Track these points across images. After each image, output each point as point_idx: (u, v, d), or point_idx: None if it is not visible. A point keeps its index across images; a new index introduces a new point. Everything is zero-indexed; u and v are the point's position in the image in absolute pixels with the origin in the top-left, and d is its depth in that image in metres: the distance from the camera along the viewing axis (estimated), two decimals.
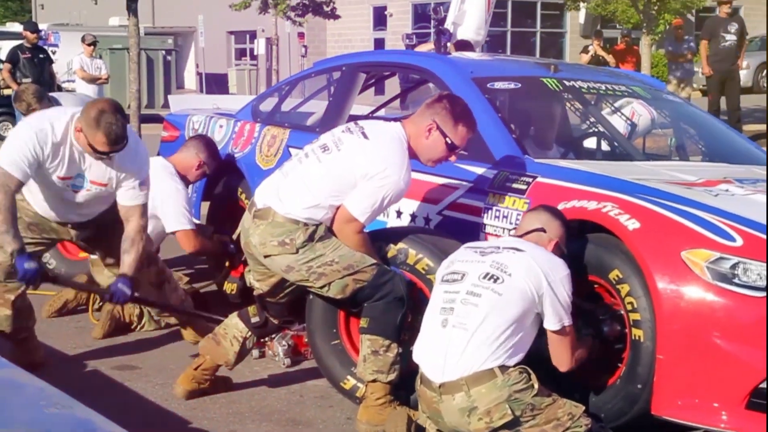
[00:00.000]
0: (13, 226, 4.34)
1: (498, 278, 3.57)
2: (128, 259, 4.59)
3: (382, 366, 4.01)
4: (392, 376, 4.02)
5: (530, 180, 4.37)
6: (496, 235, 4.32)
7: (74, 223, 4.77)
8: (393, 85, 9.79)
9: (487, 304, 3.53)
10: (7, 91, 14.59)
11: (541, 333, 3.68)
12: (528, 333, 3.59)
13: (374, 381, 4.03)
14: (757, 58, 26.87)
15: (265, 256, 4.08)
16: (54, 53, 16.86)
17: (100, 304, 5.51)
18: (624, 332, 3.84)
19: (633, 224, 3.76)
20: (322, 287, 4.05)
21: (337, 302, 4.18)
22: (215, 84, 30.29)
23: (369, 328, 4.03)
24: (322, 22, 26.90)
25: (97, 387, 4.57)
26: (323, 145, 4.12)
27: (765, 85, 27.01)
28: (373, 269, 4.01)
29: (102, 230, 4.80)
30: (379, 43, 32.19)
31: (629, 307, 3.75)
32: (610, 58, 16.23)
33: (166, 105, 19.39)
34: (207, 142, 5.90)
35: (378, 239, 4.23)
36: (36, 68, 12.83)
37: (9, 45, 14.02)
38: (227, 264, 5.72)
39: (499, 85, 5.14)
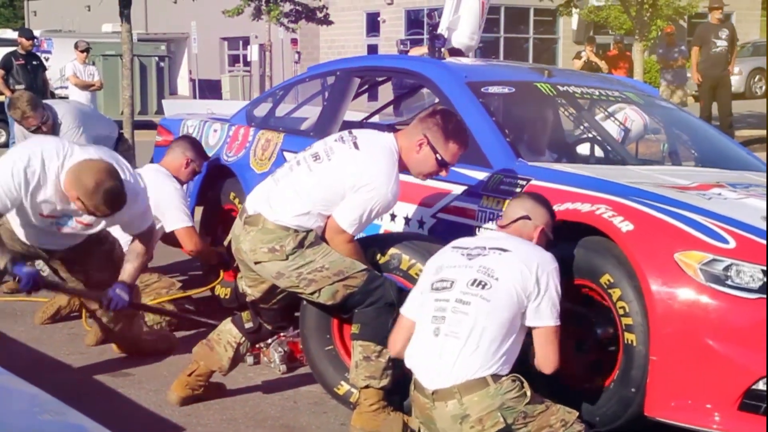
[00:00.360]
0: None
1: (486, 284, 3.55)
2: (130, 267, 4.61)
3: (374, 372, 4.00)
4: (385, 382, 4.02)
5: (524, 183, 4.39)
6: None
7: (46, 249, 4.72)
8: (386, 92, 9.80)
9: (476, 312, 3.52)
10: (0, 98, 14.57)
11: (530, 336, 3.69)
12: (519, 335, 3.59)
13: (367, 387, 4.03)
14: (749, 64, 26.96)
15: (256, 263, 4.08)
16: (47, 60, 16.84)
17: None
18: (616, 335, 3.84)
19: (626, 226, 3.78)
20: (312, 293, 4.05)
21: (329, 308, 4.18)
22: (208, 90, 30.29)
23: (360, 334, 4.03)
24: (315, 28, 26.91)
25: (90, 393, 4.55)
26: (315, 154, 4.13)
27: (757, 90, 27.09)
28: (363, 275, 4.01)
29: (78, 253, 4.75)
30: (372, 49, 32.23)
31: (621, 312, 3.76)
32: (602, 64, 16.28)
33: (159, 111, 19.39)
34: (191, 141, 5.96)
35: (371, 245, 4.23)
36: (29, 75, 12.80)
37: (2, 51, 13.98)
38: (221, 271, 5.73)
39: (493, 89, 5.15)
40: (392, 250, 4.20)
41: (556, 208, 4.08)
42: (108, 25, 29.83)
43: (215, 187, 6.23)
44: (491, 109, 4.97)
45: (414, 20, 32.37)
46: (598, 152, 5.47)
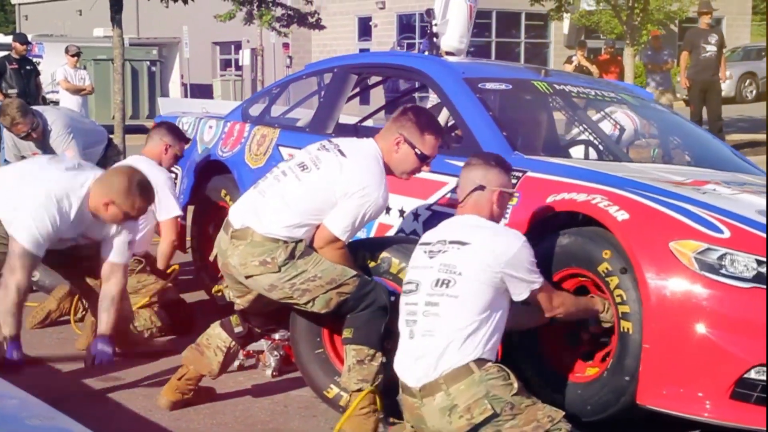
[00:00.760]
0: (20, 313, 4.43)
1: (449, 281, 3.57)
2: (107, 318, 4.62)
3: (366, 375, 4.00)
4: (376, 385, 4.01)
5: (520, 174, 4.41)
6: None
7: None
8: (378, 95, 9.82)
9: (446, 311, 3.55)
10: None
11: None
12: (501, 314, 3.62)
13: (359, 390, 4.03)
14: (740, 68, 27.06)
15: (247, 277, 4.06)
16: (38, 64, 16.81)
17: (83, 313, 5.50)
18: (610, 326, 3.87)
19: (622, 215, 3.81)
20: (306, 303, 4.03)
21: (322, 316, 4.18)
22: (200, 94, 30.24)
23: (353, 338, 4.02)
24: (307, 32, 26.92)
25: (79, 398, 4.53)
26: (301, 164, 4.12)
27: (747, 95, 27.19)
28: (355, 281, 4.01)
29: (73, 253, 4.78)
30: None
31: (618, 300, 3.78)
32: (593, 69, 16.32)
33: (151, 116, 19.36)
34: (168, 126, 5.97)
35: (361, 249, 4.23)
36: (23, 80, 12.79)
37: None
38: None
39: (490, 85, 5.19)
40: (382, 254, 4.20)
41: (552, 198, 4.12)
42: (99, 29, 29.78)
43: (206, 183, 6.25)
44: (488, 105, 5.00)
45: (406, 24, 32.42)
46: (594, 149, 5.50)
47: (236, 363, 4.95)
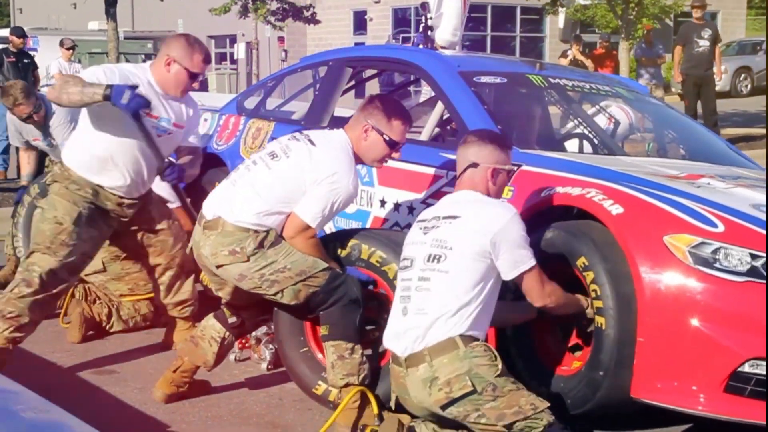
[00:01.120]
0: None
1: (440, 256, 3.60)
2: (186, 159, 4.79)
3: (351, 369, 4.01)
4: (362, 376, 4.01)
5: (515, 168, 4.41)
6: None
7: (128, 203, 4.73)
8: (373, 89, 9.80)
9: (437, 286, 3.58)
10: None
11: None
12: (491, 292, 3.64)
13: (347, 385, 4.04)
14: (735, 63, 27.08)
15: (218, 267, 4.07)
16: (33, 57, 16.76)
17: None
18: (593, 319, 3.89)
19: (616, 209, 3.82)
20: (275, 294, 4.04)
21: (298, 311, 4.19)
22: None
23: (330, 335, 4.03)
24: (302, 26, 26.84)
25: (74, 391, 4.53)
26: (271, 153, 4.14)
27: (742, 89, 27.22)
28: (324, 274, 4.01)
29: (140, 219, 4.86)
30: None
31: (593, 294, 3.79)
32: (588, 63, 16.32)
33: None
34: None
35: (330, 241, 4.25)
36: (20, 73, 12.73)
37: None
38: None
39: (485, 79, 5.19)
40: (351, 242, 4.22)
41: (546, 192, 4.12)
42: (94, 22, 29.76)
43: (201, 176, 6.24)
44: (483, 98, 5.00)
45: (401, 18, 32.38)
46: (589, 143, 5.51)
47: (232, 356, 4.96)
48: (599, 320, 3.76)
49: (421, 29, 6.58)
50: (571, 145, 5.65)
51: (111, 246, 5.18)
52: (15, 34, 13.35)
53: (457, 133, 5.11)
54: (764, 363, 3.52)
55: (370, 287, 4.19)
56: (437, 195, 4.64)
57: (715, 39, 13.60)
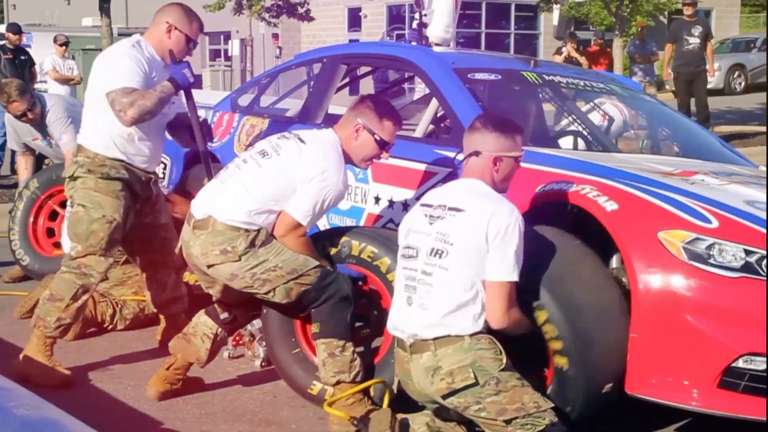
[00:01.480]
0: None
1: (443, 252, 3.56)
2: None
3: (342, 367, 4.00)
4: (354, 373, 4.01)
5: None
6: None
7: (144, 177, 4.76)
8: (367, 86, 9.79)
9: (439, 282, 3.55)
10: None
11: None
12: None
13: (338, 383, 4.04)
14: (728, 60, 27.10)
15: (209, 266, 4.06)
16: None
17: None
18: None
19: (611, 206, 3.82)
20: (267, 293, 4.03)
21: (289, 310, 4.18)
22: None
23: (321, 332, 4.03)
24: (297, 23, 26.83)
25: (67, 387, 4.53)
26: (262, 151, 4.14)
27: (736, 87, 27.25)
28: (316, 272, 4.00)
29: (152, 210, 4.89)
30: None
31: (548, 336, 3.71)
32: (583, 60, 16.32)
33: None
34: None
35: (320, 239, 4.25)
36: (17, 70, 12.68)
37: None
38: None
39: (479, 76, 5.19)
40: (342, 239, 4.22)
41: (541, 189, 4.12)
42: (88, 19, 29.66)
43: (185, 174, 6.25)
44: (477, 95, 5.00)
45: (396, 15, 32.36)
46: (583, 140, 5.51)
47: (225, 354, 4.96)
48: (559, 361, 3.68)
49: (414, 26, 6.58)
50: (566, 142, 5.65)
51: None
52: (11, 30, 13.32)
53: (451, 130, 5.11)
54: (758, 359, 3.52)
55: (360, 284, 4.19)
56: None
57: (706, 36, 13.58)
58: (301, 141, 4.11)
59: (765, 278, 3.58)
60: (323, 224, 5.04)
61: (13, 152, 11.19)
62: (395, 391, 3.88)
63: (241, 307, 4.36)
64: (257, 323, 4.91)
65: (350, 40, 32.62)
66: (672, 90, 13.82)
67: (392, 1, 32.28)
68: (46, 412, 2.48)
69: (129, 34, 5.07)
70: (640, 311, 3.64)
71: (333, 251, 4.20)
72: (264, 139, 4.30)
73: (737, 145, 10.82)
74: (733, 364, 3.54)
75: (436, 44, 7.51)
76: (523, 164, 4.37)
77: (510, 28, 33.46)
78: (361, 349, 4.17)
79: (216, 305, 4.39)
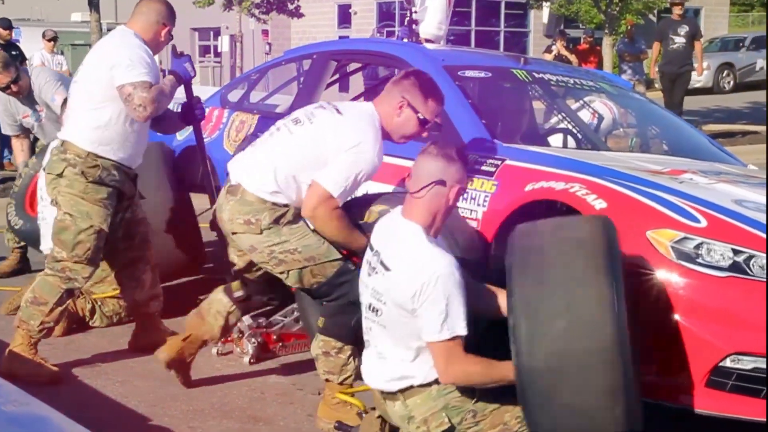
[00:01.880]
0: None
1: (378, 310, 3.37)
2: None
3: (332, 368, 3.99)
4: (344, 377, 4.00)
5: (499, 162, 4.41)
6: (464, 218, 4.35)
7: (131, 175, 4.75)
8: (357, 83, 9.78)
9: (383, 336, 3.39)
10: None
11: None
12: None
13: (327, 381, 4.04)
14: (717, 59, 27.19)
15: (233, 233, 4.04)
16: None
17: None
18: None
19: (600, 204, 3.82)
20: (280, 273, 3.99)
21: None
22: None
23: (323, 329, 4.01)
24: (287, 19, 26.82)
25: (55, 384, 4.52)
26: (295, 119, 4.05)
27: (725, 86, 27.34)
28: (334, 266, 3.93)
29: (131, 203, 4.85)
30: None
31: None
32: (573, 58, 16.35)
33: None
34: None
35: (355, 206, 4.13)
36: None
37: None
38: None
39: (469, 73, 5.19)
40: (376, 208, 4.07)
41: (530, 187, 4.12)
42: (77, 14, 29.64)
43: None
44: (467, 93, 4.99)
45: (386, 12, 32.35)
46: (573, 138, 5.52)
47: (214, 350, 4.95)
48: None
49: (405, 23, 6.57)
50: (555, 139, 5.66)
51: None
52: (2, 25, 13.26)
53: (441, 126, 5.10)
54: (746, 358, 3.53)
55: None
56: None
57: (693, 36, 13.57)
58: (338, 112, 3.99)
59: (753, 278, 3.59)
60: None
61: (5, 147, 11.18)
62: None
63: (260, 287, 4.30)
64: (246, 320, 4.92)
65: (340, 37, 32.60)
66: (661, 89, 13.83)
67: None
68: (33, 408, 2.48)
69: None
70: (628, 310, 3.64)
71: (370, 219, 4.04)
72: (301, 108, 4.19)
73: (726, 144, 10.83)
74: (721, 364, 3.54)
75: (428, 41, 7.51)
76: (512, 162, 4.39)
77: (500, 26, 33.48)
78: (352, 353, 4.07)
79: (233, 283, 4.34)
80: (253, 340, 4.89)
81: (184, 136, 6.11)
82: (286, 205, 3.94)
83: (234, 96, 6.41)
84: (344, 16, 33.73)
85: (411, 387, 3.35)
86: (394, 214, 3.51)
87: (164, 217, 5.52)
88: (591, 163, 4.34)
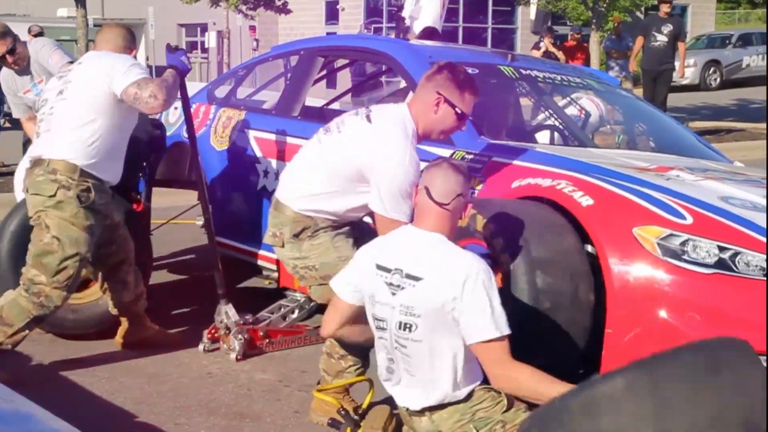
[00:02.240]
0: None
1: (411, 326, 3.24)
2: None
3: (329, 368, 3.98)
4: (336, 380, 3.97)
5: (486, 159, 4.41)
6: None
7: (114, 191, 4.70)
8: (345, 79, 9.77)
9: (416, 353, 3.26)
10: None
11: None
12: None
13: (322, 377, 4.04)
14: (704, 56, 27.27)
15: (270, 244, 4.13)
16: None
17: None
18: None
19: (586, 201, 3.83)
20: (306, 286, 4.06)
21: None
22: None
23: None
24: (274, 15, 26.72)
25: (41, 381, 4.50)
26: (327, 127, 4.01)
27: (711, 83, 27.41)
28: None
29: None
30: None
31: None
32: (561, 55, 16.36)
33: None
34: None
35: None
36: None
37: None
38: None
39: None
40: (469, 212, 3.88)
41: (517, 183, 4.13)
42: (63, 9, 29.47)
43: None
44: None
45: (373, 8, 32.30)
46: (560, 134, 5.53)
47: (200, 347, 4.94)
48: None
49: (407, 19, 6.56)
50: (542, 136, 5.67)
51: None
52: None
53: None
54: None
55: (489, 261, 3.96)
56: None
57: (676, 35, 13.56)
58: (368, 119, 3.88)
59: (739, 275, 3.60)
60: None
61: None
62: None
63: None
64: (233, 316, 4.92)
65: (328, 33, 32.56)
66: (642, 85, 13.86)
67: None
68: (18, 405, 2.46)
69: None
70: (614, 307, 3.66)
71: (462, 223, 3.89)
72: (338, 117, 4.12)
73: (712, 141, 10.87)
74: None
75: (426, 34, 7.50)
76: (499, 159, 4.40)
77: (487, 23, 33.49)
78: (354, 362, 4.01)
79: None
80: (240, 336, 4.88)
81: (171, 131, 6.10)
82: (311, 218, 3.92)
83: (221, 92, 6.40)
84: (332, 13, 33.68)
85: (438, 404, 3.27)
86: (400, 231, 3.45)
87: None
88: (578, 160, 4.35)
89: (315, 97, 6.96)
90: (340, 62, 7.25)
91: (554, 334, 3.68)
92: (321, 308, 5.05)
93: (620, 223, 3.75)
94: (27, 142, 7.65)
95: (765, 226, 3.78)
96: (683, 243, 3.65)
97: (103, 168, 4.50)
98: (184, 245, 7.25)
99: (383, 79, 8.88)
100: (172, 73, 4.60)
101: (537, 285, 3.67)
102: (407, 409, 3.38)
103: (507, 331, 3.15)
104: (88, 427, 3.35)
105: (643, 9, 27.94)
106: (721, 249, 3.64)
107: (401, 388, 3.39)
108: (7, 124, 14.24)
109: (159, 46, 30.85)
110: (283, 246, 3.98)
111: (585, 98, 6.41)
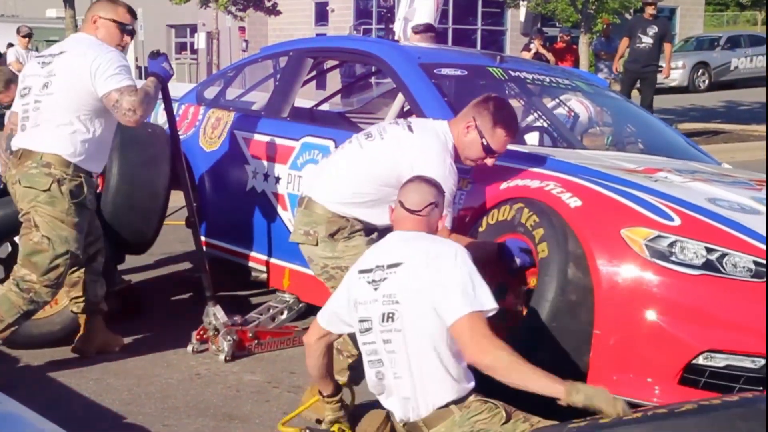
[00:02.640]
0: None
1: (392, 314, 3.23)
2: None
3: (335, 365, 3.97)
4: (338, 377, 3.96)
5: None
6: None
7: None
8: (334, 80, 9.77)
9: (400, 347, 3.23)
10: None
11: None
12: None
13: None
14: (693, 58, 27.35)
15: (300, 244, 4.11)
16: None
17: None
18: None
19: (575, 202, 3.84)
20: (330, 287, 3.99)
21: None
22: None
23: (353, 338, 3.97)
24: (264, 17, 26.73)
25: (28, 382, 4.48)
26: (368, 133, 4.11)
27: (700, 84, 27.50)
28: None
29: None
30: None
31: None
32: (550, 57, 16.40)
33: None
34: None
35: (506, 202, 4.09)
36: None
37: None
38: None
39: (445, 71, 5.20)
40: (516, 204, 4.01)
41: (505, 185, 4.14)
42: (52, 10, 29.38)
43: None
44: (443, 90, 5.00)
45: (363, 10, 32.33)
46: (548, 136, 5.54)
47: (189, 348, 4.93)
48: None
49: (401, 19, 6.59)
50: (531, 137, 5.67)
51: None
52: None
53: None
54: (718, 356, 3.57)
55: (528, 257, 3.94)
56: None
57: (662, 37, 13.56)
58: (410, 129, 3.99)
59: (726, 276, 3.62)
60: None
61: None
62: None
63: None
64: (221, 317, 4.91)
65: (317, 35, 32.56)
66: (637, 87, 13.88)
67: None
68: (6, 406, 2.46)
69: None
70: (602, 308, 3.66)
71: (507, 217, 4.03)
72: (376, 124, 4.20)
73: (700, 142, 10.91)
74: (694, 361, 3.57)
75: (423, 30, 7.52)
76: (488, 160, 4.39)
77: (477, 24, 33.55)
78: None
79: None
80: (229, 337, 4.87)
81: None
82: (346, 219, 3.97)
83: (210, 93, 6.39)
84: (321, 14, 33.68)
85: (432, 413, 3.23)
86: (387, 238, 3.50)
87: None
88: (566, 161, 4.36)
89: (304, 98, 6.96)
90: (330, 63, 7.24)
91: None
92: (310, 309, 5.07)
93: (608, 225, 3.76)
94: None
95: (752, 227, 3.79)
96: (671, 244, 3.66)
97: (93, 160, 4.54)
98: (173, 246, 7.24)
99: (372, 80, 8.89)
100: (153, 81, 4.57)
101: (567, 276, 3.70)
102: (404, 424, 3.34)
103: (489, 306, 3.15)
104: (75, 428, 3.35)
105: (632, 11, 28.03)
106: (709, 250, 3.65)
107: (394, 399, 3.35)
108: None
109: (148, 48, 30.81)
110: (316, 245, 4.00)
111: (574, 100, 6.42)
